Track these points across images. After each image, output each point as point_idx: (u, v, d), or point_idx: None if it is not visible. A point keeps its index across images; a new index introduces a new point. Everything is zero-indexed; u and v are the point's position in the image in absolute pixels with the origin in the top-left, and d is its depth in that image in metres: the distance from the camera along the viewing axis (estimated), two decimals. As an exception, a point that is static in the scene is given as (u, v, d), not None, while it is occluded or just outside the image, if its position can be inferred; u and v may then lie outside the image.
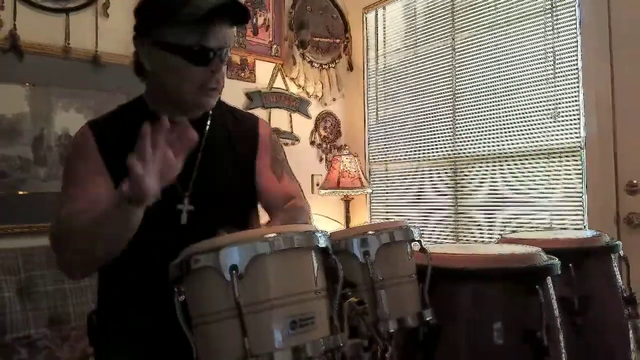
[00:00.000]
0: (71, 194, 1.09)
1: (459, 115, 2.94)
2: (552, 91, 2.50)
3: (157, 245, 1.00)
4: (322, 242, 0.83)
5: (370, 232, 0.99)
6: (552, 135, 2.50)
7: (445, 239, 3.01)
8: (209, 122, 1.22)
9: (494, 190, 2.75)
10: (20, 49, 2.26)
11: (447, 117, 3.01)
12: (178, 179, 1.02)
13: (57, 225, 1.06)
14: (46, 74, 2.34)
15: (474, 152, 2.86)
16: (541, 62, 2.54)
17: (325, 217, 3.22)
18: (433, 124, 3.10)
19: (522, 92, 2.62)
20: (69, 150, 1.18)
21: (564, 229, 2.41)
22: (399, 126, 3.32)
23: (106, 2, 2.52)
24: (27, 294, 1.98)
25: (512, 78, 2.67)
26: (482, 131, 2.81)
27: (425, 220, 3.11)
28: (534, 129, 2.58)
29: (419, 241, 1.04)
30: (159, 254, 0.91)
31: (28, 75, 2.30)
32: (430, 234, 3.07)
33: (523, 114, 2.62)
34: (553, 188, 2.50)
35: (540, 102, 2.54)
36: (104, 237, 0.97)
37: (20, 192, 2.25)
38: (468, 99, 2.89)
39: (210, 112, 1.22)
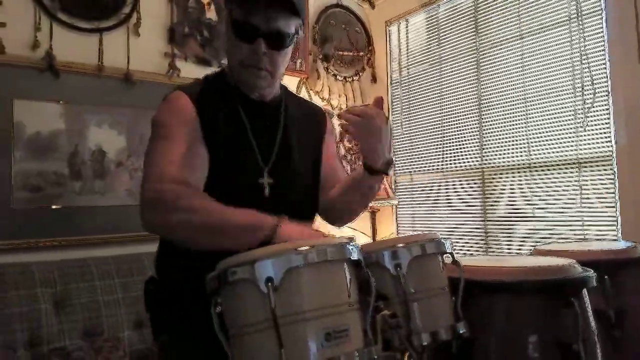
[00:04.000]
0: (173, 154, 1.06)
1: (485, 125, 2.92)
2: (580, 99, 2.46)
3: None
4: (355, 255, 0.83)
5: (400, 245, 0.99)
6: (582, 144, 2.46)
7: (470, 249, 2.97)
8: (283, 104, 1.28)
9: (524, 200, 2.71)
10: (56, 68, 2.35)
11: (473, 127, 2.99)
12: (260, 154, 1.16)
13: (159, 192, 1.01)
14: (80, 92, 2.42)
15: (502, 162, 2.83)
16: (568, 70, 2.51)
17: (351, 229, 3.21)
18: (459, 134, 3.08)
19: (550, 101, 2.59)
20: (161, 109, 1.15)
21: (598, 239, 2.36)
22: (424, 137, 3.31)
23: (137, 22, 2.60)
24: (63, 306, 2.02)
25: (539, 87, 2.64)
26: (511, 141, 2.78)
27: (453, 231, 3.08)
28: (563, 138, 2.54)
29: (451, 253, 1.03)
30: None
31: (63, 94, 2.37)
32: (458, 245, 3.03)
33: (551, 122, 2.59)
34: (584, 198, 2.45)
35: (569, 110, 2.51)
36: (213, 240, 0.98)
37: (56, 206, 2.32)
38: (495, 108, 2.87)
39: (284, 96, 1.30)
